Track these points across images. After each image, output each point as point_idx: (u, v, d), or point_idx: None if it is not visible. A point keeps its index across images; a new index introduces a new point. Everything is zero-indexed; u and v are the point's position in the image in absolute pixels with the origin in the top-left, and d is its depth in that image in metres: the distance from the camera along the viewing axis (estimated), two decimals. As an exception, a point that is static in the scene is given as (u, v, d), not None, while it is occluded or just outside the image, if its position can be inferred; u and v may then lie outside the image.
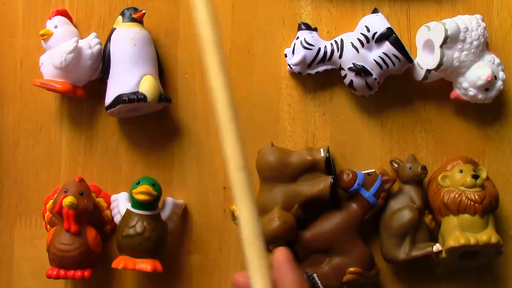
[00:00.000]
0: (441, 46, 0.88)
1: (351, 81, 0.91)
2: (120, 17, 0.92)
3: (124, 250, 0.89)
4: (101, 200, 0.94)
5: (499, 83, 0.90)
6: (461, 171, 0.90)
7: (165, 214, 0.91)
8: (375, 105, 0.95)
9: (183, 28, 0.96)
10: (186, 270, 0.96)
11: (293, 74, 0.95)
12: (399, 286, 0.95)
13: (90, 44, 0.91)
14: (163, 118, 0.96)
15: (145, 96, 0.88)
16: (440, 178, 0.90)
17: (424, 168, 0.91)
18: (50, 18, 0.93)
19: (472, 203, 0.87)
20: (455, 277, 0.95)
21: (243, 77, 0.96)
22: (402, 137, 0.95)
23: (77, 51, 0.89)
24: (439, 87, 0.94)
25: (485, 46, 0.91)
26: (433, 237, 0.92)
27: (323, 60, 0.92)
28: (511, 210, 0.96)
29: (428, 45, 0.91)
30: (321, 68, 0.93)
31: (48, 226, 0.93)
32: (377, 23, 0.89)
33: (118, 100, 0.88)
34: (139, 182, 0.89)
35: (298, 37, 0.92)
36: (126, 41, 0.90)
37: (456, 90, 0.92)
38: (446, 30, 0.88)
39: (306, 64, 0.92)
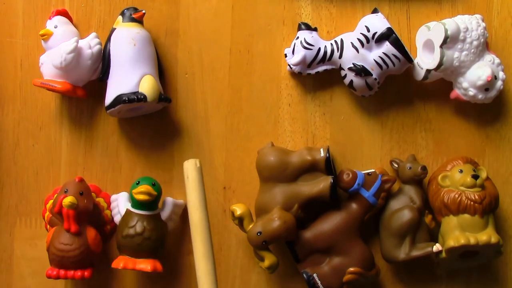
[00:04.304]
0: (441, 46, 0.88)
1: (351, 81, 0.91)
2: (120, 17, 0.92)
3: (124, 250, 0.89)
4: (101, 200, 0.94)
5: (499, 83, 0.90)
6: (461, 171, 0.90)
7: (165, 214, 0.91)
8: (375, 105, 0.95)
9: (183, 28, 0.96)
10: (186, 270, 0.96)
11: (293, 74, 0.95)
12: (399, 286, 0.95)
13: (90, 44, 0.91)
14: (163, 118, 0.96)
15: (145, 96, 0.88)
16: (440, 178, 0.90)
17: (424, 168, 0.91)
18: (50, 18, 0.93)
19: (472, 203, 0.87)
20: (455, 277, 0.95)
21: (243, 77, 0.96)
22: (402, 137, 0.95)
23: (77, 51, 0.89)
24: (439, 87, 0.94)
25: (485, 46, 0.91)
26: (433, 237, 0.92)
27: (323, 60, 0.92)
28: (511, 210, 0.96)
29: (428, 45, 0.91)
30: (321, 68, 0.93)
31: (48, 226, 0.93)
32: (377, 23, 0.89)
33: (118, 100, 0.88)
34: (139, 182, 0.89)
35: (298, 37, 0.92)
36: (126, 41, 0.90)
37: (456, 90, 0.92)
38: (446, 30, 0.88)
39: (306, 64, 0.92)
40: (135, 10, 0.92)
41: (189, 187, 0.76)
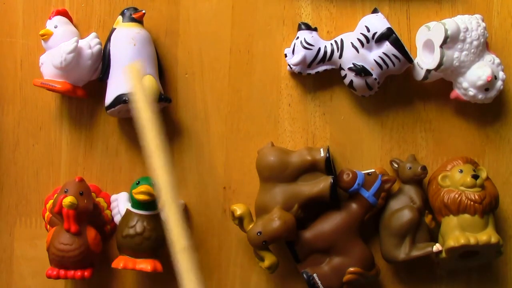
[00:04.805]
0: (441, 46, 0.88)
1: (351, 81, 0.91)
2: (120, 17, 0.92)
3: (124, 250, 0.89)
4: (101, 200, 0.94)
5: (499, 83, 0.90)
6: (461, 171, 0.90)
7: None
8: (375, 105, 0.95)
9: (183, 28, 0.96)
10: (186, 270, 0.96)
11: (293, 74, 0.95)
12: (399, 286, 0.95)
13: (90, 44, 0.91)
14: (163, 118, 0.96)
15: (145, 96, 0.88)
16: (440, 178, 0.90)
17: (424, 168, 0.91)
18: (50, 18, 0.93)
19: (472, 203, 0.87)
20: (455, 277, 0.95)
21: (243, 77, 0.96)
22: (402, 137, 0.95)
23: (77, 51, 0.89)
24: (439, 87, 0.94)
25: (485, 46, 0.91)
26: (433, 237, 0.92)
27: (323, 60, 0.92)
28: (511, 210, 0.96)
29: (428, 45, 0.91)
30: (321, 68, 0.93)
31: (48, 226, 0.93)
32: (377, 23, 0.89)
33: (118, 100, 0.88)
34: (139, 182, 0.89)
35: (298, 37, 0.92)
36: (126, 41, 0.90)
37: (456, 90, 0.92)
38: (446, 30, 0.88)
39: (306, 64, 0.92)
40: (135, 10, 0.92)
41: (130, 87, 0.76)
